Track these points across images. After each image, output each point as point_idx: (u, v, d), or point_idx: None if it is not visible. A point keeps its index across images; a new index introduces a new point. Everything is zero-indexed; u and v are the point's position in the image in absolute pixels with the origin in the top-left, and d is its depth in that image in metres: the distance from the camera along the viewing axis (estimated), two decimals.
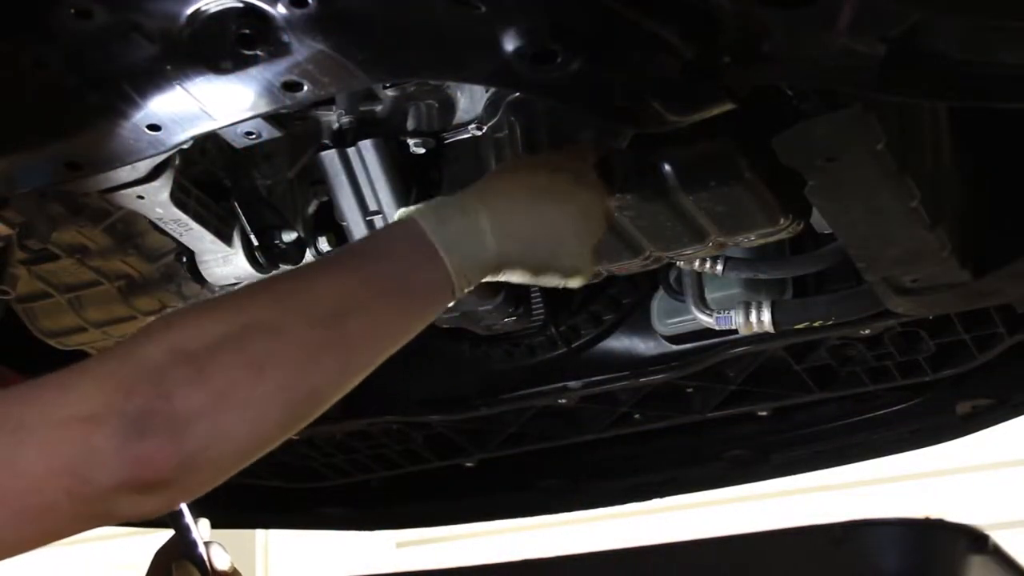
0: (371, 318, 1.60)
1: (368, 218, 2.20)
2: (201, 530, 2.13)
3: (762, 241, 2.08)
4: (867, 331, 2.43)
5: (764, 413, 2.77)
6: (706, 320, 2.38)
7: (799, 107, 1.76)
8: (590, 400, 2.72)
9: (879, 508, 4.93)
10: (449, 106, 2.17)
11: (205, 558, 2.14)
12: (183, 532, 2.13)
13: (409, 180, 2.19)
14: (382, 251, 1.68)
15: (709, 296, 2.39)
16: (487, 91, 2.13)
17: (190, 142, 1.96)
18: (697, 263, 2.27)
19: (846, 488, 5.24)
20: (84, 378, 1.50)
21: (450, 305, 1.69)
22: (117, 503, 1.46)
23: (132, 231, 2.34)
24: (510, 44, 1.60)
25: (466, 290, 1.68)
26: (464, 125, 2.16)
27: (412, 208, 1.74)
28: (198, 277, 2.41)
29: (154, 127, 1.82)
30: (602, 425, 2.82)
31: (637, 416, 2.79)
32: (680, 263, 2.29)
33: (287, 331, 1.55)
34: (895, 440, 2.85)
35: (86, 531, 1.72)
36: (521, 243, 1.73)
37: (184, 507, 2.12)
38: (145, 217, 2.28)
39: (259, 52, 1.65)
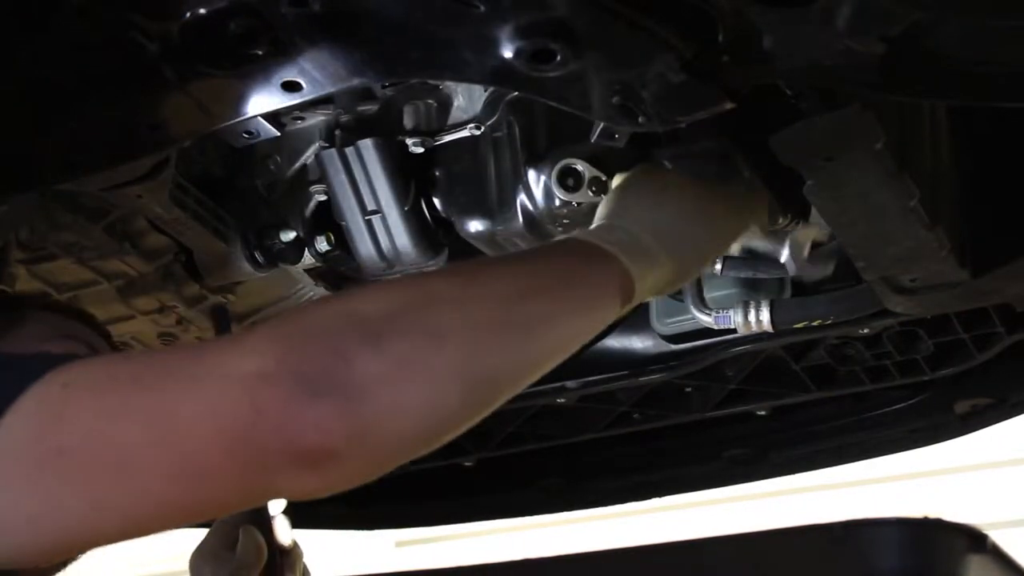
0: (549, 305, 1.55)
1: (367, 217, 2.21)
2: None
3: None
4: (866, 330, 2.43)
5: (763, 412, 2.78)
6: (705, 319, 2.37)
7: (798, 106, 1.76)
8: (589, 399, 2.72)
9: (878, 507, 4.94)
10: (447, 105, 2.18)
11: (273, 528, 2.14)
12: None
13: (408, 179, 2.20)
14: (555, 251, 1.68)
15: (708, 295, 2.37)
16: (485, 90, 2.15)
17: (189, 141, 1.97)
18: None
19: (845, 487, 5.25)
20: (255, 336, 1.43)
21: (623, 312, 1.66)
22: (277, 474, 1.36)
23: (131, 230, 2.34)
24: (509, 44, 1.60)
25: (639, 298, 1.68)
26: (463, 124, 2.17)
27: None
28: (197, 276, 2.42)
29: (153, 126, 1.82)
30: (601, 424, 2.82)
31: (636, 415, 2.79)
32: None
33: (468, 304, 1.48)
34: (894, 439, 2.85)
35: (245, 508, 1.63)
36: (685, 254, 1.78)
37: None
38: (144, 216, 2.29)
39: (258, 51, 1.65)
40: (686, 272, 1.83)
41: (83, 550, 1.53)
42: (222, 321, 2.33)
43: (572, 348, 1.59)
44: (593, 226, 1.76)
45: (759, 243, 2.09)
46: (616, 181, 1.98)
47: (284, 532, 2.16)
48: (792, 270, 2.12)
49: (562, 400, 2.70)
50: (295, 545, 2.21)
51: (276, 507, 2.17)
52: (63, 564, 1.77)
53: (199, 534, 2.25)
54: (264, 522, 2.15)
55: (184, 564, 2.29)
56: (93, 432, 1.36)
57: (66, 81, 1.74)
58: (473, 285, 1.52)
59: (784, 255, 2.10)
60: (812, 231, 2.11)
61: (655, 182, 1.85)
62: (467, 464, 2.96)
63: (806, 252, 2.13)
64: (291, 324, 1.44)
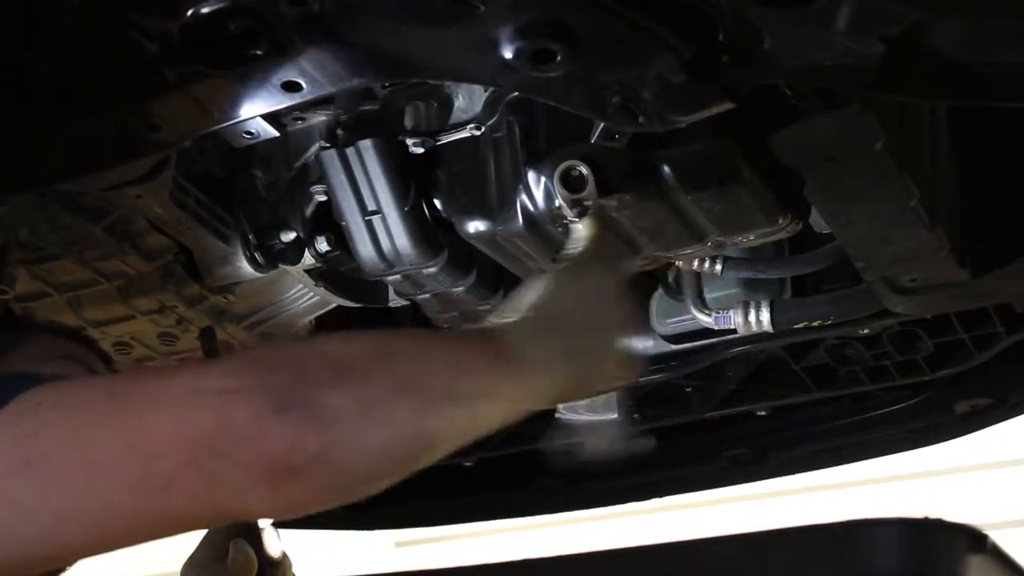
0: (484, 386, 1.59)
1: (367, 218, 2.21)
2: None
3: (761, 241, 2.08)
4: (866, 331, 2.44)
5: (763, 413, 2.78)
6: (705, 320, 2.38)
7: (798, 106, 1.76)
8: None
9: (878, 508, 4.94)
10: (448, 106, 2.18)
11: (263, 541, 2.15)
12: None
13: (408, 180, 2.19)
14: (490, 341, 1.68)
15: (708, 296, 2.39)
16: (486, 91, 2.14)
17: (189, 141, 1.95)
18: (696, 263, 2.27)
19: (845, 488, 5.25)
20: (227, 360, 1.49)
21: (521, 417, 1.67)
22: (236, 487, 1.38)
23: (131, 230, 2.34)
24: (509, 44, 1.60)
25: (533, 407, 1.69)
26: (463, 125, 2.16)
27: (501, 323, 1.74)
28: (196, 277, 2.42)
29: (153, 126, 1.81)
30: None
31: (636, 416, 2.79)
32: (679, 263, 2.29)
33: (425, 366, 1.53)
34: (894, 439, 2.86)
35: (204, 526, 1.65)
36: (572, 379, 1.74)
37: None
38: (144, 216, 2.28)
39: (258, 51, 1.64)
40: (568, 394, 1.83)
41: (51, 564, 1.54)
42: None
43: (487, 430, 1.61)
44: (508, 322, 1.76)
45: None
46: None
47: (273, 544, 2.16)
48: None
49: None
50: (284, 557, 2.22)
51: (265, 520, 2.18)
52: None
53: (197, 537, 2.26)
54: (253, 535, 2.16)
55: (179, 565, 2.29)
56: (62, 443, 1.39)
57: (66, 81, 1.73)
58: (428, 349, 1.58)
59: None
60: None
61: (551, 308, 1.79)
62: (467, 464, 2.96)
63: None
64: (262, 353, 1.52)
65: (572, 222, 1.96)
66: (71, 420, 1.41)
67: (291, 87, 1.72)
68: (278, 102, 1.76)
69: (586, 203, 1.95)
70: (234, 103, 1.77)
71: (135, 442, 1.38)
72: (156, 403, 1.40)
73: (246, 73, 1.71)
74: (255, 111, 1.81)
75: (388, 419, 1.46)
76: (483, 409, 1.59)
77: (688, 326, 2.49)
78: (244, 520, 1.94)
